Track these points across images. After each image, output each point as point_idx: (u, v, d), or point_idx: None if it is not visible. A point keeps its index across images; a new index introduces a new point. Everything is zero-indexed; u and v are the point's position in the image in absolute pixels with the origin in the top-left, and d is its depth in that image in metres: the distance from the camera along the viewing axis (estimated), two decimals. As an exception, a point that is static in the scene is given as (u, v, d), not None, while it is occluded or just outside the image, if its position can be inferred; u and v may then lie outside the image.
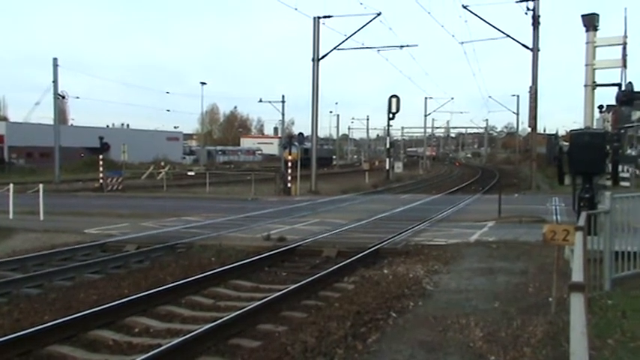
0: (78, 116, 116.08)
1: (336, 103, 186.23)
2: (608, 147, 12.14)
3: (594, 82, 13.64)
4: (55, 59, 43.34)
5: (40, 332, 6.88)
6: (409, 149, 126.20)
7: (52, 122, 46.11)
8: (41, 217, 18.77)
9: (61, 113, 60.05)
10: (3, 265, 11.53)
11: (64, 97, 48.20)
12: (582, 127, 13.66)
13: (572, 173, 12.40)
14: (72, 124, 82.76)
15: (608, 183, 12.37)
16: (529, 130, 41.86)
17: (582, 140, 12.06)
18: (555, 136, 16.63)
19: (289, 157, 34.09)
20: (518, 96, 76.76)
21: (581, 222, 7.36)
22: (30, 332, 6.82)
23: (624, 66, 13.29)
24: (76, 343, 7.04)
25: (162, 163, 55.69)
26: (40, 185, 20.34)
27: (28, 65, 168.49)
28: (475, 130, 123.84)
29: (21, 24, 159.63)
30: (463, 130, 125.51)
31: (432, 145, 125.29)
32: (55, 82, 43.44)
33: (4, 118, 78.91)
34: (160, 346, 6.48)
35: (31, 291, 9.71)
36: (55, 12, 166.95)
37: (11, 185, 19.82)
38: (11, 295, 9.42)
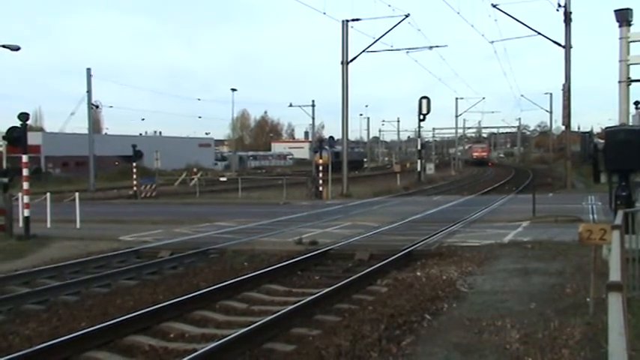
0: (112, 125, 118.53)
1: (366, 106, 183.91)
2: (645, 144, 11.87)
3: (629, 77, 13.40)
4: (88, 70, 44.16)
5: (77, 338, 7.00)
6: (452, 149, 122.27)
7: (86, 132, 46.93)
8: (77, 225, 19.09)
9: (95, 123, 61.24)
10: (41, 273, 11.76)
11: (97, 107, 49.00)
12: (618, 124, 13.41)
13: (608, 171, 12.16)
14: (106, 133, 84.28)
15: (646, 180, 12.09)
16: (563, 128, 41.22)
17: (618, 137, 11.82)
18: (590, 133, 16.32)
19: (320, 161, 34.18)
20: (551, 94, 75.44)
21: (618, 220, 7.21)
22: (68, 339, 6.93)
23: (660, 60, 13.02)
24: (113, 349, 7.15)
25: (195, 170, 56.14)
26: (76, 194, 20.76)
27: (63, 76, 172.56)
28: (507, 130, 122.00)
29: (55, 35, 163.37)
30: (495, 130, 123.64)
31: (480, 141, 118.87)
32: (89, 92, 44.22)
33: (41, 129, 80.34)
34: (196, 350, 6.53)
35: (68, 298, 9.89)
36: (87, 22, 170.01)
37: (48, 194, 20.19)
38: (50, 302, 9.62)
